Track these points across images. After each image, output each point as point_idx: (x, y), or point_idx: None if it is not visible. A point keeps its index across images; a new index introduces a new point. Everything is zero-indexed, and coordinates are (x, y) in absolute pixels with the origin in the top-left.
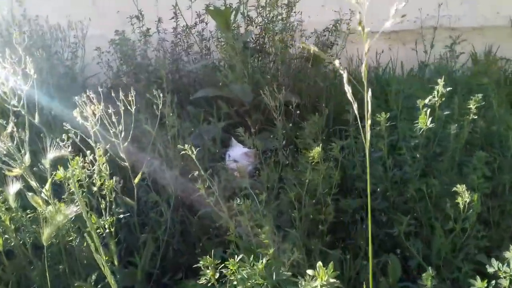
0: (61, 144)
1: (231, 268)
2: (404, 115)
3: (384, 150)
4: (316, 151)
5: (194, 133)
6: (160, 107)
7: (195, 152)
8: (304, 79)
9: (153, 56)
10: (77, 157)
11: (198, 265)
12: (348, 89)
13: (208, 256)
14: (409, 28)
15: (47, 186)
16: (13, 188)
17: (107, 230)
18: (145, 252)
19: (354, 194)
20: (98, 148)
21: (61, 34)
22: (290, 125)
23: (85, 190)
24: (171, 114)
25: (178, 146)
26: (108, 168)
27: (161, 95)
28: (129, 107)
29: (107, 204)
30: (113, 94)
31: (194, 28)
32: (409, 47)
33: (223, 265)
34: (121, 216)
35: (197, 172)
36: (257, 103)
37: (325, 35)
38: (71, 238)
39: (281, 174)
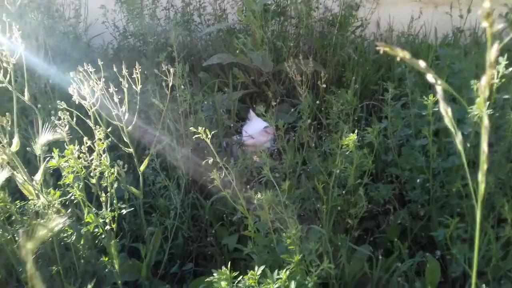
0: (57, 123)
1: (250, 283)
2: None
3: (428, 138)
4: (351, 138)
5: (206, 104)
6: (170, 78)
7: (209, 135)
8: (329, 46)
9: (162, 16)
10: (71, 146)
11: (213, 273)
12: (446, 110)
13: (224, 268)
14: None
15: (39, 176)
16: (1, 175)
17: (108, 227)
18: (151, 247)
19: (385, 180)
20: (99, 131)
21: None
22: (318, 102)
23: (81, 183)
24: (182, 86)
25: (191, 128)
26: (108, 158)
27: (170, 68)
28: (133, 86)
29: (108, 197)
30: (114, 68)
31: None
32: (442, 10)
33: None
34: (124, 211)
35: (211, 159)
36: (277, 72)
37: None
38: (66, 235)
39: (304, 156)
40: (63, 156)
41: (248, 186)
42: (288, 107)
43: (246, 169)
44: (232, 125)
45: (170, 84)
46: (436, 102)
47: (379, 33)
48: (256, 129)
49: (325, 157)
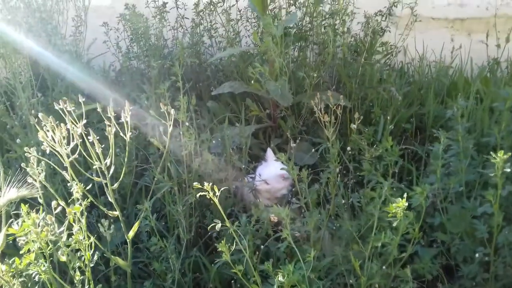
0: (28, 170)
1: None
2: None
3: (494, 204)
4: (400, 205)
5: (215, 140)
6: (170, 122)
7: (218, 193)
8: (354, 76)
9: (169, 37)
10: (32, 216)
11: None
12: None
13: None
14: (477, 16)
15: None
16: None
17: None
18: None
19: (426, 243)
20: (76, 188)
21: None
22: (349, 148)
23: (45, 263)
24: (186, 123)
25: (194, 184)
26: (83, 229)
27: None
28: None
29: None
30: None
31: (221, 5)
32: (476, 38)
33: None
34: None
35: (219, 224)
36: (296, 104)
37: (377, 20)
38: None
39: (330, 212)
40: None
41: (263, 246)
42: (307, 147)
43: (261, 229)
44: (243, 166)
45: (170, 129)
46: (506, 161)
47: (407, 61)
48: (272, 173)
49: (354, 213)
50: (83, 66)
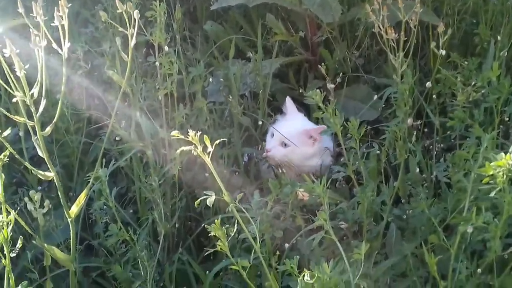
0: None
1: None
2: None
3: None
4: (501, 164)
5: (214, 81)
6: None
7: (211, 148)
8: None
9: None
10: None
11: None
12: None
13: None
14: None
15: None
16: None
17: None
18: None
19: None
20: None
21: None
22: (429, 84)
23: None
24: (166, 47)
25: (173, 133)
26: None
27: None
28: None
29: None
30: None
31: None
32: None
33: None
34: None
35: (213, 196)
36: (349, 23)
37: None
38: None
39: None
40: None
41: (287, 245)
42: (366, 91)
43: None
44: (261, 122)
45: (133, 42)
46: None
47: None
48: (292, 130)
49: (439, 191)
50: None
